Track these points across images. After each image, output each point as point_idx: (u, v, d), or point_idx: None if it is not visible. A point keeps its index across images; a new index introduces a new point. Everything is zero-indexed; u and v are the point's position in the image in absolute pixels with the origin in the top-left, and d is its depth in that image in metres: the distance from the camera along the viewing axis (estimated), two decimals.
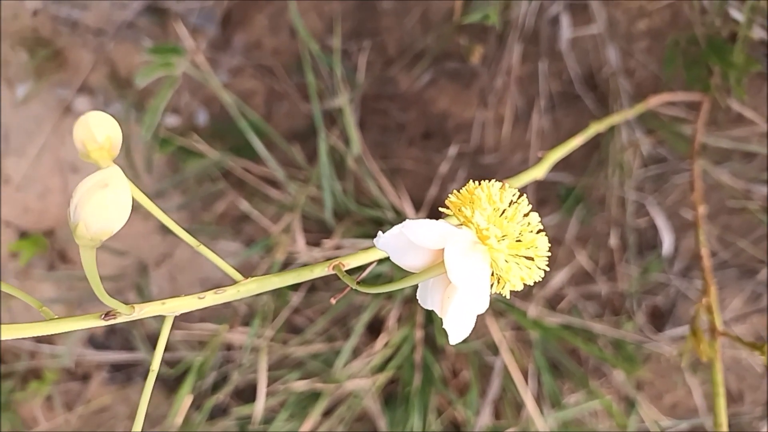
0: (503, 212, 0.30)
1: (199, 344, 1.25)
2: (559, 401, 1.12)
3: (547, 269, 0.30)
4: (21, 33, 1.24)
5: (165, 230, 1.21)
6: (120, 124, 0.34)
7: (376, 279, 1.09)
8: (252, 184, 1.16)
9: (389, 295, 1.12)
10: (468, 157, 1.18)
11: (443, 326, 0.28)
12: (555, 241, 1.20)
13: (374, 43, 1.18)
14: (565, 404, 1.13)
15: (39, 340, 1.41)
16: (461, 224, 0.30)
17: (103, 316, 0.30)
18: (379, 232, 0.29)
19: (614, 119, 0.77)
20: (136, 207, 1.05)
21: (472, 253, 0.28)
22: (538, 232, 0.30)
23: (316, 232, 1.15)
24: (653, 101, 0.83)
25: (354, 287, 0.32)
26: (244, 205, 1.15)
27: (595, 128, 0.69)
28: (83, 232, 0.26)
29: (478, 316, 0.30)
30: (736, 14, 0.91)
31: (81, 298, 1.37)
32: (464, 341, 1.06)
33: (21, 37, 1.24)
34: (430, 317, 1.12)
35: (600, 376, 1.20)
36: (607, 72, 1.09)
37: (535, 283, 0.30)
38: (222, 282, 1.29)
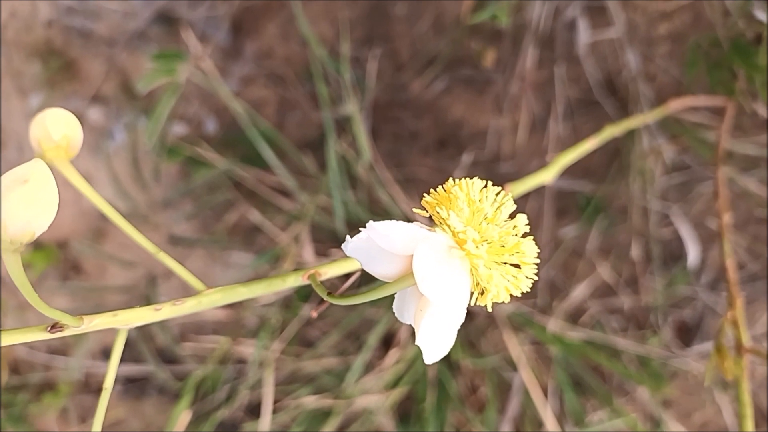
0: (486, 214, 0.26)
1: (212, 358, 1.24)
2: (582, 419, 1.07)
3: (536, 278, 0.26)
4: (34, 44, 1.24)
5: (175, 241, 1.20)
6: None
7: None
8: (262, 193, 1.14)
9: None
10: (483, 166, 1.15)
11: (416, 343, 0.25)
12: (575, 253, 1.16)
13: (386, 50, 1.16)
14: (588, 422, 1.08)
15: (52, 351, 1.41)
16: (439, 227, 0.26)
17: (49, 329, 0.28)
18: (347, 237, 0.26)
19: (631, 123, 0.73)
20: (144, 218, 1.03)
21: (446, 259, 0.24)
22: (524, 235, 0.27)
23: (328, 242, 1.12)
24: (674, 105, 0.79)
25: (326, 298, 0.29)
26: (255, 216, 1.13)
27: (610, 131, 0.65)
28: (2, 235, 0.23)
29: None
30: (761, 15, 0.87)
31: (95, 309, 1.36)
32: (481, 356, 1.01)
33: (34, 48, 1.24)
34: None
35: (624, 393, 1.15)
36: (626, 77, 1.06)
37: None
38: None
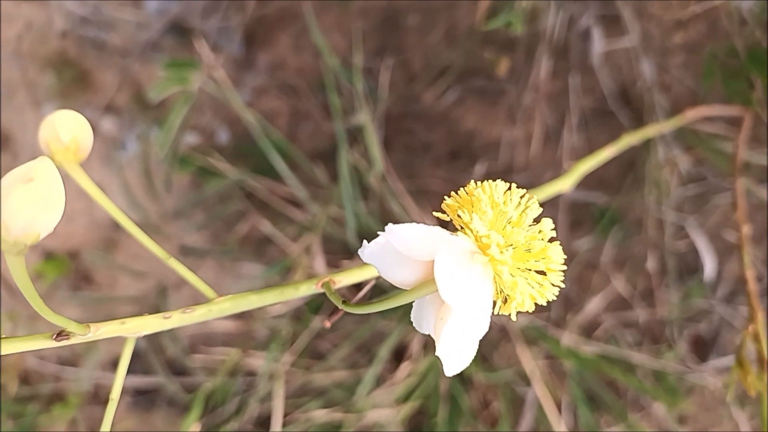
0: (510, 218, 0.25)
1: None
2: None
3: (563, 286, 0.25)
4: (49, 55, 1.24)
5: (186, 252, 1.19)
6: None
7: None
8: (274, 204, 1.13)
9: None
10: (496, 177, 1.13)
11: (436, 353, 0.24)
12: (590, 265, 1.15)
13: (399, 61, 1.15)
14: None
15: (63, 362, 1.40)
16: (460, 231, 0.25)
17: (55, 337, 0.27)
18: (364, 242, 0.25)
19: (648, 131, 0.72)
20: (155, 228, 1.02)
21: (469, 265, 0.23)
22: (550, 240, 0.25)
23: (340, 253, 1.11)
24: (690, 114, 0.78)
25: (341, 306, 0.28)
26: (266, 226, 1.13)
27: (627, 140, 0.64)
28: (5, 235, 0.22)
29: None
30: None
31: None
32: (494, 371, 0.99)
33: (49, 59, 1.24)
34: None
35: (639, 408, 1.13)
36: (641, 87, 1.05)
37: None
38: None
